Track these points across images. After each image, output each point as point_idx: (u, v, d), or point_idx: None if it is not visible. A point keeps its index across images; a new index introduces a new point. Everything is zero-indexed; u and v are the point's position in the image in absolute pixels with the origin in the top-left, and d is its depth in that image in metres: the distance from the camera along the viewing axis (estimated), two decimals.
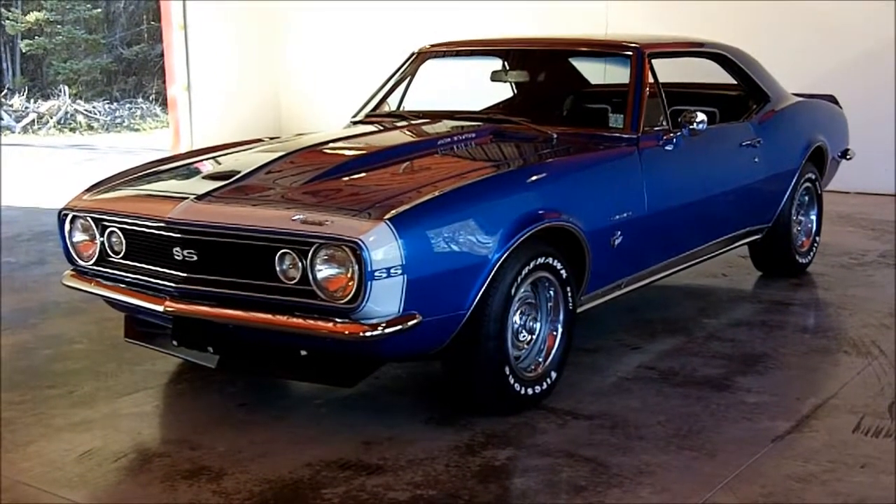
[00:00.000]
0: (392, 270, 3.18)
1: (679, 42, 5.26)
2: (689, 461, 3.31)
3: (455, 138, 4.28)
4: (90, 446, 3.51)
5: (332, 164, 3.81)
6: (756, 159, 5.06)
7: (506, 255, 3.46)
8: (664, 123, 4.49)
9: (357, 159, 3.90)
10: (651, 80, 4.53)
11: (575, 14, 9.69)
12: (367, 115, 5.01)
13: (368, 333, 3.18)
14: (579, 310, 4.08)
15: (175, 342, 3.66)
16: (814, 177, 5.70)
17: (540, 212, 3.61)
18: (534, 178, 3.81)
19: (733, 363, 4.26)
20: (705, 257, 4.98)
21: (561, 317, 3.85)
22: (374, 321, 3.20)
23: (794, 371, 4.20)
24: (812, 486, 3.12)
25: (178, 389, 4.11)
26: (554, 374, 3.83)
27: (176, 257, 3.54)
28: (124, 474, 3.32)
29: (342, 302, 3.21)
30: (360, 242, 3.13)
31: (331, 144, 4.18)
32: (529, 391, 3.70)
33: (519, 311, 3.71)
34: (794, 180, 5.41)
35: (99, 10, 25.65)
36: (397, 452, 3.39)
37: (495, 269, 3.44)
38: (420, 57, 5.23)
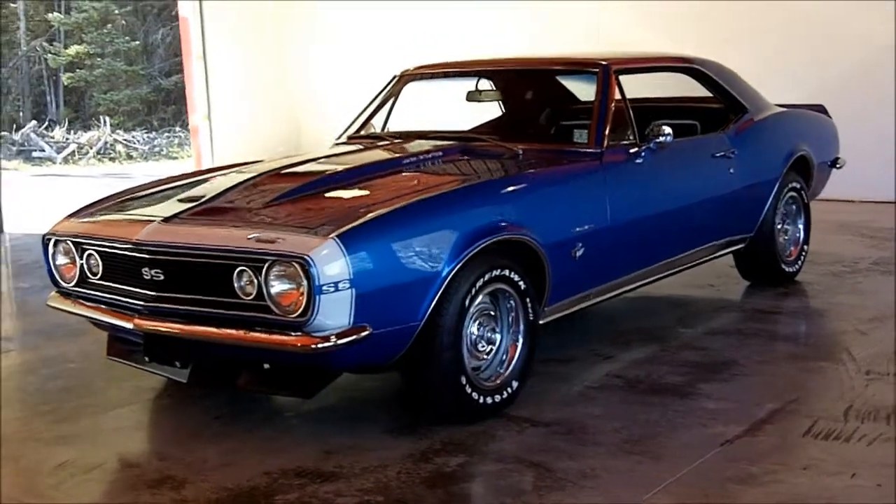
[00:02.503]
0: (340, 285, 3.31)
1: (649, 58, 5.36)
2: (635, 465, 3.39)
3: (422, 157, 4.41)
4: (66, 458, 3.66)
5: (294, 185, 3.96)
6: (731, 170, 5.13)
7: (457, 268, 3.57)
8: (631, 137, 4.58)
9: (320, 180, 4.04)
10: (619, 95, 4.62)
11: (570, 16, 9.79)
12: (350, 137, 5.16)
13: (318, 346, 3.31)
14: (544, 321, 4.18)
15: (147, 358, 3.82)
16: (799, 186, 5.75)
17: (493, 226, 3.72)
18: (488, 193, 3.93)
19: (700, 371, 4.33)
20: (684, 267, 5.05)
21: (521, 327, 3.95)
22: (325, 334, 3.33)
23: (759, 378, 4.26)
24: (750, 488, 3.18)
25: (160, 404, 4.27)
26: (515, 384, 3.93)
27: (145, 277, 3.71)
28: (93, 484, 3.47)
29: (294, 316, 3.35)
30: (307, 258, 3.27)
31: (299, 166, 4.34)
32: (489, 400, 3.80)
33: (477, 323, 3.81)
34: (774, 189, 5.46)
35: (137, 42, 26.19)
36: (354, 460, 3.51)
37: (447, 282, 3.56)
38: (402, 79, 5.37)
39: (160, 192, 4.35)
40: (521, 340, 3.96)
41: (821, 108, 6.35)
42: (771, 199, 5.47)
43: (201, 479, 3.44)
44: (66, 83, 26.85)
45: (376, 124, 5.32)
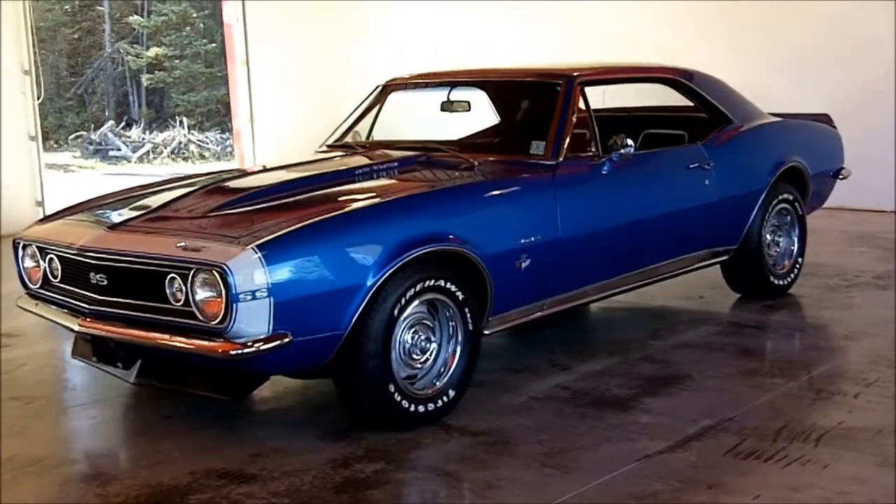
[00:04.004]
0: (258, 293, 3.41)
1: (621, 68, 5.34)
2: (545, 478, 3.42)
3: (376, 168, 4.49)
4: (14, 453, 3.83)
5: (238, 196, 4.08)
6: (706, 181, 5.08)
7: (384, 278, 3.64)
8: (593, 149, 4.59)
9: (265, 190, 4.15)
10: (583, 107, 4.63)
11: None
12: (328, 145, 5.27)
13: (236, 352, 3.42)
14: (491, 331, 4.23)
15: (94, 358, 3.99)
16: (791, 197, 5.66)
17: (422, 237, 3.78)
18: (418, 205, 3.99)
19: (650, 385, 4.32)
20: (658, 277, 5.03)
21: (460, 338, 4.00)
22: (243, 340, 3.43)
23: (706, 393, 4.23)
24: None
25: (120, 403, 4.42)
26: (452, 393, 3.98)
27: (92, 281, 3.86)
28: (30, 478, 3.62)
29: (215, 323, 3.46)
30: (225, 267, 3.38)
31: (251, 177, 4.47)
32: (420, 409, 3.86)
33: (412, 331, 3.87)
34: (760, 201, 5.39)
35: (215, 44, 26.72)
36: (278, 464, 3.60)
37: (372, 291, 3.63)
38: (386, 89, 5.46)
39: (124, 200, 4.51)
40: (459, 350, 4.00)
41: (825, 118, 6.24)
42: (756, 210, 5.40)
43: (130, 477, 3.59)
44: (146, 84, 27.57)
45: (362, 132, 5.42)
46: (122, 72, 28.84)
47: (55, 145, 25.71)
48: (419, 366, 3.93)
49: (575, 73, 4.71)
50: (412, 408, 3.84)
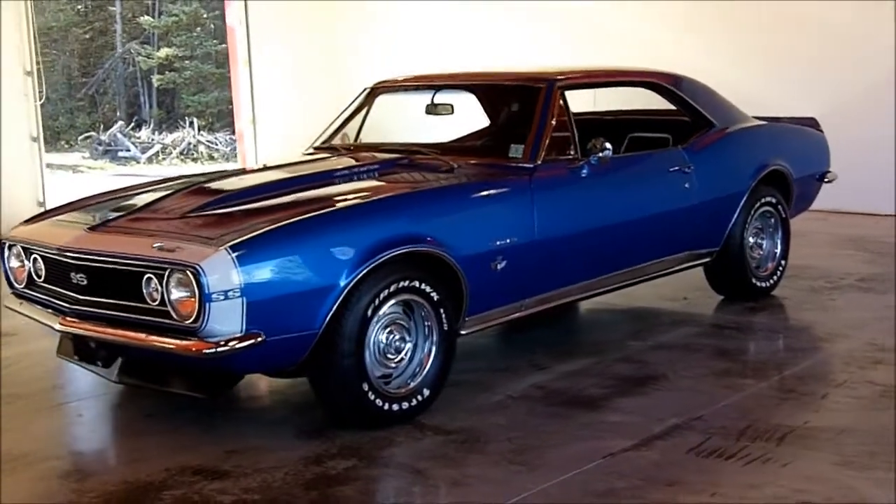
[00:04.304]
0: (230, 293, 3.49)
1: (602, 72, 5.41)
2: (511, 475, 3.49)
3: (356, 170, 4.58)
4: None
5: (217, 196, 4.17)
6: (686, 184, 5.15)
7: (357, 279, 3.72)
8: (572, 153, 4.66)
9: (244, 191, 4.24)
10: (563, 111, 4.69)
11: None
12: (315, 148, 5.35)
13: (209, 351, 3.50)
14: (468, 331, 4.30)
15: (76, 357, 4.09)
16: (774, 200, 5.71)
17: (395, 238, 3.85)
18: (393, 206, 4.07)
19: (624, 384, 4.39)
20: (639, 279, 5.09)
21: (435, 337, 4.07)
22: (217, 340, 3.51)
23: (677, 393, 4.30)
24: (611, 500, 3.26)
25: (106, 400, 4.51)
26: (427, 392, 4.05)
27: (72, 281, 3.95)
28: (11, 474, 3.70)
29: (189, 322, 3.54)
30: (198, 267, 3.46)
31: (232, 178, 4.55)
32: (395, 407, 3.94)
33: (387, 331, 3.95)
34: (742, 203, 5.46)
35: (225, 45, 26.87)
36: (252, 461, 3.69)
37: (346, 291, 3.70)
38: (373, 92, 5.54)
39: (111, 200, 4.60)
40: (434, 350, 4.07)
41: (812, 122, 6.29)
42: (738, 213, 5.46)
43: (107, 473, 3.70)
44: (157, 85, 27.73)
45: (351, 134, 5.50)
46: (132, 72, 29.01)
47: (66, 145, 25.93)
48: (394, 365, 4.00)
49: (555, 78, 4.78)
50: (386, 406, 3.91)
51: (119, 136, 23.06)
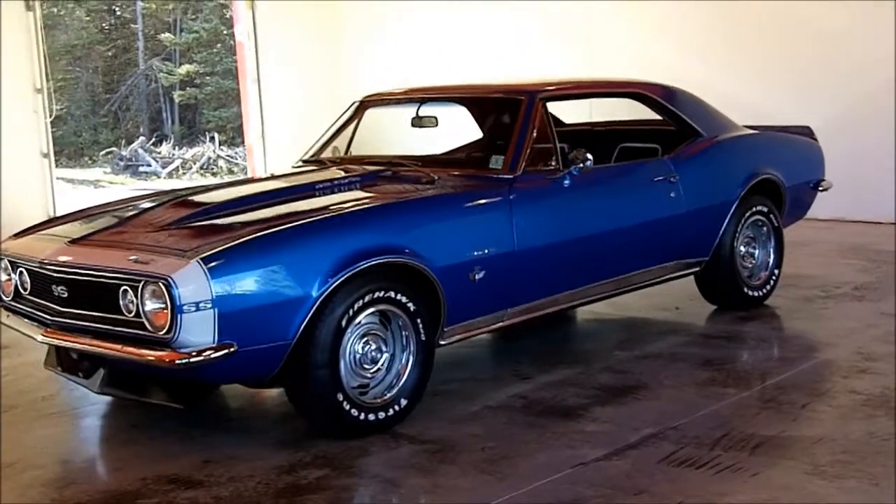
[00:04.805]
0: (201, 305, 3.53)
1: (584, 83, 5.43)
2: (479, 484, 3.51)
3: (338, 182, 4.62)
4: None
5: (196, 210, 4.23)
6: (672, 194, 5.15)
7: (329, 290, 3.75)
8: (554, 163, 4.67)
9: (224, 204, 4.29)
10: (545, 122, 4.72)
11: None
12: (303, 161, 5.40)
13: (181, 361, 3.54)
14: (448, 341, 4.32)
15: (59, 368, 4.14)
16: (766, 209, 5.70)
17: (368, 250, 3.88)
18: (366, 218, 4.10)
19: (605, 394, 4.39)
20: (625, 289, 5.09)
21: (412, 348, 4.09)
22: (189, 350, 3.56)
23: (657, 402, 4.29)
24: None
25: (94, 411, 4.57)
26: (404, 402, 4.07)
27: (54, 293, 4.01)
28: None
29: (162, 333, 3.59)
30: (169, 279, 3.51)
31: (215, 191, 4.61)
32: (371, 417, 3.96)
33: (363, 341, 3.98)
34: (731, 213, 5.45)
35: None
36: (227, 470, 3.72)
37: (319, 302, 3.74)
38: (363, 105, 5.59)
39: (98, 213, 4.66)
40: (411, 360, 4.10)
41: (806, 130, 6.27)
42: (727, 222, 5.45)
43: (87, 482, 3.76)
44: (178, 101, 27.99)
45: (341, 147, 5.55)
46: (155, 88, 29.29)
47: (89, 161, 26.21)
48: (370, 375, 4.03)
49: (536, 90, 4.80)
50: (362, 416, 3.94)
51: (140, 151, 23.29)
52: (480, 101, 5.40)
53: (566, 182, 4.68)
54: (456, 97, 5.43)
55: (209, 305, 3.55)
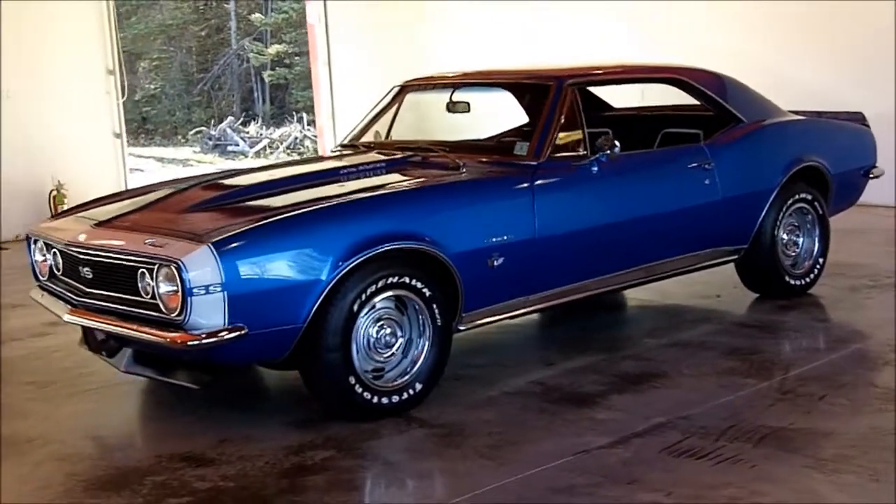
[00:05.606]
0: (211, 288, 3.64)
1: (617, 69, 5.37)
2: (478, 469, 3.54)
3: (363, 167, 4.68)
4: (11, 433, 4.17)
5: (219, 193, 4.34)
6: (706, 181, 5.07)
7: (341, 275, 3.82)
8: (581, 150, 4.66)
9: (247, 189, 4.39)
10: (573, 108, 4.69)
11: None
12: (341, 145, 5.48)
13: (192, 343, 3.65)
14: (467, 327, 4.35)
15: (87, 347, 4.31)
16: (810, 197, 5.58)
17: (382, 235, 3.93)
18: (380, 204, 4.15)
19: (623, 382, 4.38)
20: (659, 276, 5.05)
21: (429, 333, 4.14)
22: (200, 332, 3.66)
23: (674, 391, 4.26)
24: (565, 497, 3.28)
25: (124, 389, 4.71)
26: (419, 386, 4.12)
27: (81, 274, 4.16)
28: (16, 455, 3.93)
29: (174, 315, 3.70)
30: (180, 262, 3.62)
31: (242, 175, 4.71)
32: (384, 401, 4.02)
33: (378, 326, 4.03)
34: (771, 200, 5.35)
35: None
36: (239, 449, 3.83)
37: (330, 287, 3.81)
38: (403, 90, 5.64)
39: (131, 196, 4.81)
40: (427, 346, 4.14)
41: (858, 116, 6.10)
42: (767, 210, 5.36)
43: (102, 458, 3.91)
44: (268, 81, 28.41)
45: (382, 132, 5.61)
46: (246, 68, 29.76)
47: (181, 140, 26.82)
48: (384, 360, 4.08)
49: (564, 75, 4.78)
50: (375, 399, 4.00)
51: (228, 130, 23.75)
52: (512, 87, 5.39)
53: (594, 169, 4.65)
54: (489, 82, 5.43)
55: (219, 289, 3.64)
